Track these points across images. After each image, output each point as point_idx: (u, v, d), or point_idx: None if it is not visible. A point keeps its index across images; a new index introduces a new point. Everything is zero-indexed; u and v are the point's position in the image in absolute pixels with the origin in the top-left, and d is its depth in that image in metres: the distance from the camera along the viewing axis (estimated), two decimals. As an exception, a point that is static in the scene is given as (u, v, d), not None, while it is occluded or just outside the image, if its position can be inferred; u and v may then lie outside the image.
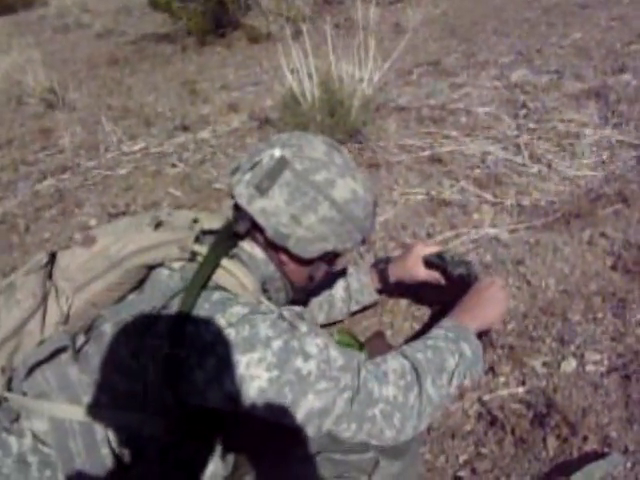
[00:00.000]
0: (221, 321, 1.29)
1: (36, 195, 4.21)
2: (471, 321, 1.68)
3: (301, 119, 3.71)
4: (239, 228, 1.47)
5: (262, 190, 1.41)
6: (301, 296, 1.79)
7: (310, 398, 1.29)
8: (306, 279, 1.62)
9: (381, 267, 2.14)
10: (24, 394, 1.32)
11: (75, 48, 11.24)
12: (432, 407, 1.45)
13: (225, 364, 1.27)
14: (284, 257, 1.52)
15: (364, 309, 2.23)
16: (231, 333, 1.27)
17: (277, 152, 1.43)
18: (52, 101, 6.63)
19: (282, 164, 1.41)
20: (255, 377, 1.26)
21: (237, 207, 1.48)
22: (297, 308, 1.42)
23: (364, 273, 2.16)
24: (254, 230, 1.48)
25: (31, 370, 1.32)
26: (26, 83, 6.98)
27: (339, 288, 2.12)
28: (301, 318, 1.38)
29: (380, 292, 2.21)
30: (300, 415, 1.30)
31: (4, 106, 7.21)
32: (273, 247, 1.50)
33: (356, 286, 2.13)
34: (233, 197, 1.48)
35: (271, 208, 1.41)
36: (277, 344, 1.28)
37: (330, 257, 1.57)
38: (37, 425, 1.30)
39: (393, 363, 1.45)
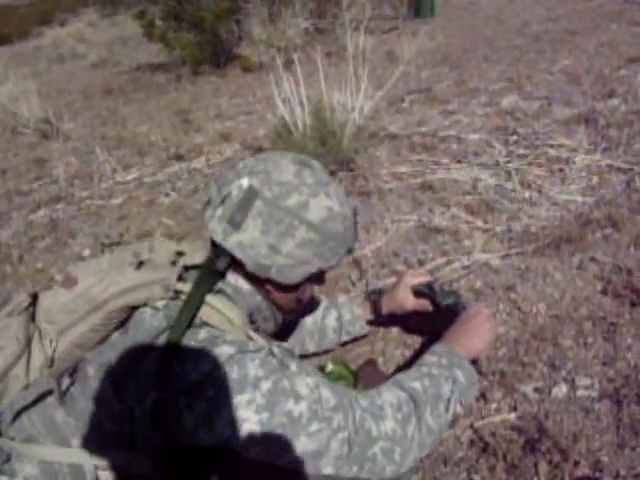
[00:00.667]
0: (208, 361, 1.28)
1: (30, 225, 4.22)
2: (460, 348, 1.68)
3: (293, 148, 3.73)
4: (219, 265, 1.44)
5: (235, 224, 1.39)
6: (291, 317, 1.78)
7: (302, 440, 1.28)
8: (294, 302, 1.61)
9: (373, 299, 2.13)
10: (12, 439, 1.31)
11: (70, 78, 11.32)
12: (432, 437, 1.45)
13: (215, 407, 1.26)
14: (269, 286, 1.50)
15: (354, 339, 2.23)
16: (220, 374, 1.26)
17: (245, 182, 1.40)
18: (47, 131, 6.66)
19: (251, 194, 1.38)
20: (245, 419, 1.26)
21: (214, 243, 1.46)
22: (286, 344, 1.42)
23: (357, 305, 2.15)
24: (234, 264, 1.45)
25: (17, 415, 1.31)
26: (21, 113, 7.02)
27: (331, 318, 2.11)
28: (291, 355, 1.37)
29: (371, 323, 2.20)
30: (293, 457, 1.28)
31: (-1, 136, 7.25)
32: (256, 279, 1.48)
33: (348, 317, 2.12)
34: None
35: (247, 241, 1.39)
36: (266, 385, 1.27)
37: (316, 276, 1.54)
38: (27, 469, 1.29)
39: (388, 396, 1.44)
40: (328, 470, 1.31)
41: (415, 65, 6.59)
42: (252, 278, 1.48)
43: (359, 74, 3.85)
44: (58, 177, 5.03)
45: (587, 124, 3.97)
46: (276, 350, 1.35)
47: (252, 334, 1.39)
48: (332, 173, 3.72)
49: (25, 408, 1.31)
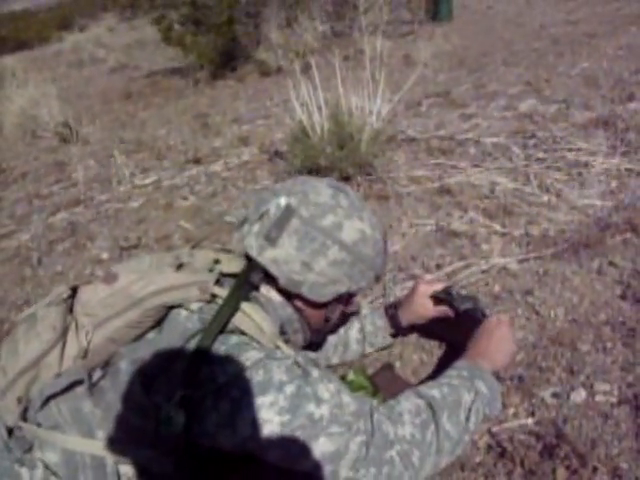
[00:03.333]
0: (236, 364, 1.30)
1: (49, 228, 4.25)
2: (484, 363, 1.68)
3: (311, 152, 3.73)
4: (253, 279, 1.48)
5: (271, 240, 1.44)
6: (319, 337, 1.80)
7: (322, 441, 1.30)
8: (322, 321, 1.64)
9: (391, 313, 2.12)
10: (38, 425, 1.34)
11: (89, 83, 11.42)
12: (451, 443, 1.45)
13: (238, 408, 1.28)
14: (299, 303, 1.55)
15: (379, 350, 2.22)
16: (245, 377, 1.29)
17: (283, 201, 1.46)
18: (66, 135, 6.72)
19: (289, 212, 1.44)
20: (266, 421, 1.28)
21: (249, 258, 1.50)
22: (312, 354, 1.45)
23: (379, 316, 2.14)
24: (268, 279, 1.50)
25: (46, 401, 1.33)
26: (41, 117, 7.09)
27: (354, 330, 2.11)
28: (315, 364, 1.39)
29: (394, 336, 2.19)
30: (312, 459, 1.30)
31: (19, 140, 7.32)
32: (287, 294, 1.52)
33: (370, 329, 2.12)
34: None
35: (282, 257, 1.44)
36: (290, 389, 1.30)
37: (345, 298, 1.59)
38: (49, 456, 1.32)
39: (406, 404, 1.46)
40: (345, 473, 1.32)
41: (433, 68, 6.59)
42: (284, 293, 1.53)
43: (376, 78, 3.85)
44: (77, 180, 5.07)
45: (606, 128, 3.95)
46: (301, 360, 1.37)
47: (280, 344, 1.42)
48: (350, 177, 3.73)
49: (54, 395, 1.33)
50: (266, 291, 1.53)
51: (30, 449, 1.33)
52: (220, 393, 1.29)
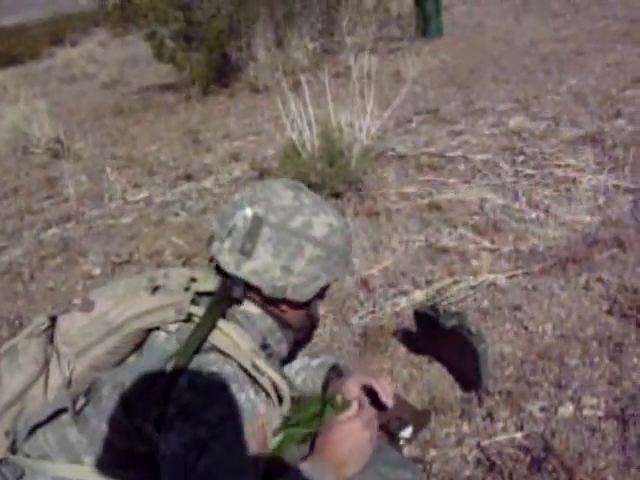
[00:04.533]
0: (205, 385, 1.31)
1: (41, 244, 4.26)
2: (330, 466, 1.45)
3: (301, 168, 3.76)
4: (235, 294, 1.48)
5: (247, 253, 1.44)
6: (301, 335, 1.80)
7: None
8: (306, 319, 1.65)
9: (329, 377, 1.92)
10: (27, 455, 1.34)
11: (81, 98, 11.43)
12: None
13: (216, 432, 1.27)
14: (284, 307, 1.54)
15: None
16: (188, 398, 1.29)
17: (249, 212, 1.46)
18: (57, 151, 6.74)
19: (258, 222, 1.44)
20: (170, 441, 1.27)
21: (225, 274, 1.49)
22: (285, 385, 1.43)
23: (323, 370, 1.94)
24: (249, 291, 1.50)
25: (32, 431, 1.34)
26: (32, 133, 7.09)
27: (299, 379, 1.95)
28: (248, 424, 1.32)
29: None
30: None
31: (10, 156, 7.31)
32: (271, 302, 1.52)
33: (310, 385, 1.92)
34: (217, 266, 1.50)
35: (261, 267, 1.44)
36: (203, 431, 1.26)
37: (323, 291, 1.59)
38: None
39: None
40: None
41: (423, 85, 6.64)
42: (268, 301, 1.52)
43: (365, 95, 3.89)
44: (69, 196, 5.07)
45: (594, 144, 4.00)
46: (242, 397, 1.32)
47: (257, 361, 1.41)
48: (340, 194, 3.76)
49: (40, 425, 1.33)
50: (244, 306, 1.52)
51: (22, 476, 1.34)
52: (188, 415, 1.28)
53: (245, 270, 1.44)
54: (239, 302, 1.50)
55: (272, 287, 1.45)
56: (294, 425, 1.56)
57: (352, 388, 1.76)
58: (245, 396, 1.33)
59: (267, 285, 1.45)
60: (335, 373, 1.87)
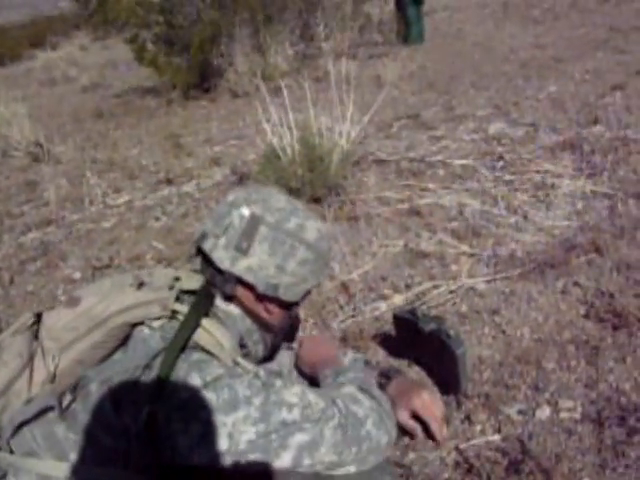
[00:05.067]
0: (198, 382, 1.32)
1: (20, 248, 4.24)
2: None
3: (282, 173, 3.77)
4: (226, 290, 1.52)
5: (243, 250, 1.47)
6: (278, 338, 1.82)
7: (297, 436, 1.34)
8: (287, 321, 1.69)
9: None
10: (11, 452, 1.34)
11: (61, 101, 11.37)
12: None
13: (211, 428, 1.30)
14: (271, 306, 1.58)
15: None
16: (212, 397, 1.31)
17: (246, 211, 1.50)
18: (37, 154, 6.69)
19: (255, 221, 1.48)
20: (243, 433, 1.30)
21: (218, 270, 1.52)
22: (273, 366, 1.48)
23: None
24: (239, 288, 1.53)
25: (18, 428, 1.33)
26: (12, 136, 7.04)
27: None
28: (275, 375, 1.45)
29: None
30: (290, 455, 1.34)
31: (-11, 159, 7.26)
32: (262, 299, 1.55)
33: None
34: (206, 263, 1.54)
35: (256, 264, 1.48)
36: (257, 400, 1.33)
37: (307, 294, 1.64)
38: None
39: (348, 388, 1.56)
40: (329, 457, 1.38)
41: (403, 91, 6.67)
42: (260, 299, 1.56)
43: (345, 100, 3.91)
44: (49, 200, 5.05)
45: (572, 150, 4.04)
46: (261, 373, 1.40)
47: (239, 359, 1.42)
48: (320, 198, 3.77)
49: (26, 422, 1.33)
50: (225, 305, 1.55)
51: (4, 476, 1.33)
52: (188, 416, 1.31)
53: (240, 267, 1.48)
54: (231, 299, 1.54)
55: (266, 284, 1.50)
56: None
57: (403, 415, 1.79)
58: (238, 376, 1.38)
59: (261, 282, 1.49)
60: (384, 377, 1.90)
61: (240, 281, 1.51)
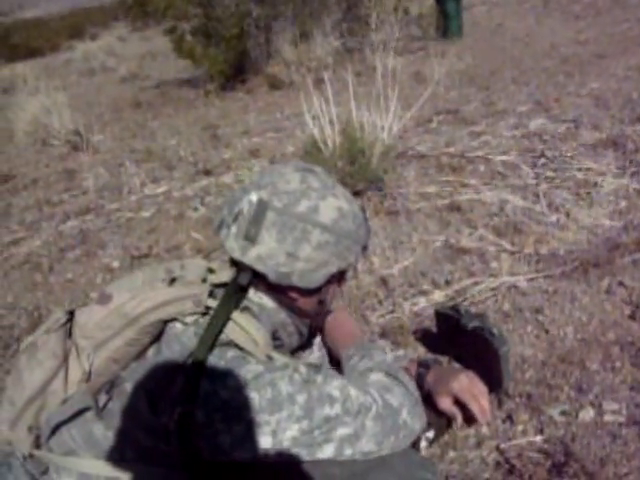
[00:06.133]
0: (237, 380, 1.31)
1: (60, 235, 4.29)
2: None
3: (322, 166, 3.75)
4: (242, 281, 1.46)
5: (251, 238, 1.41)
6: (318, 322, 1.80)
7: (339, 430, 1.34)
8: (317, 305, 1.62)
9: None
10: (51, 451, 1.35)
11: (100, 91, 11.49)
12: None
13: (254, 427, 1.29)
14: (292, 294, 1.52)
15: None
16: (254, 396, 1.29)
17: (254, 197, 1.43)
18: (77, 143, 6.77)
19: (262, 207, 1.41)
20: (287, 430, 1.29)
21: (234, 261, 1.48)
22: (314, 361, 1.46)
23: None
24: (256, 278, 1.47)
25: (56, 429, 1.34)
26: (52, 125, 7.13)
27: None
28: (315, 369, 1.40)
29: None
30: (332, 447, 1.34)
31: (30, 147, 7.37)
32: (278, 289, 1.50)
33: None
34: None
35: (265, 252, 1.41)
36: (301, 397, 1.31)
37: (336, 277, 1.56)
38: None
39: (377, 375, 1.54)
40: (369, 447, 1.37)
41: (443, 86, 6.61)
42: (276, 289, 1.50)
43: (388, 94, 3.88)
44: (88, 188, 5.11)
45: (615, 148, 3.97)
46: (301, 368, 1.38)
47: (273, 354, 1.40)
48: (360, 192, 3.76)
49: (63, 423, 1.34)
50: (258, 297, 1.51)
51: (46, 471, 1.34)
52: (231, 416, 1.29)
53: (250, 256, 1.43)
54: (246, 289, 1.49)
55: (277, 273, 1.43)
56: None
57: (445, 402, 1.74)
58: (279, 370, 1.36)
59: (272, 271, 1.43)
60: (423, 367, 1.85)
61: (254, 271, 1.45)
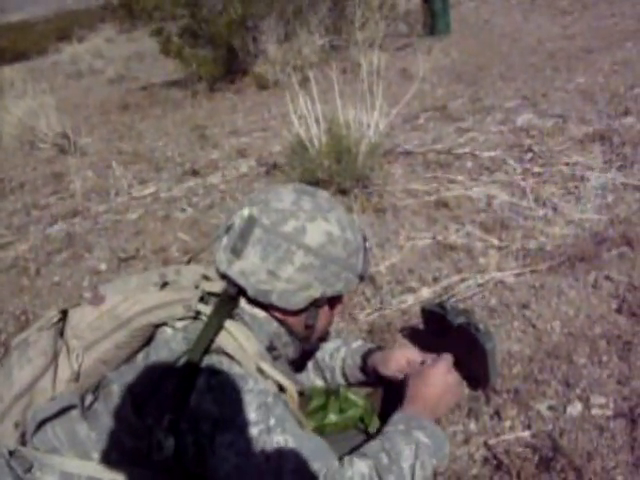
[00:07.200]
0: (226, 395, 1.32)
1: (47, 239, 4.27)
2: (423, 412, 1.60)
3: (308, 165, 3.75)
4: (230, 292, 1.47)
5: (237, 252, 1.43)
6: (312, 345, 1.77)
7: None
8: (304, 329, 1.59)
9: (366, 357, 1.97)
10: (36, 448, 1.35)
11: (87, 94, 11.47)
12: None
13: (239, 437, 1.30)
14: (276, 313, 1.52)
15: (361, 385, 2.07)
16: (242, 409, 1.31)
17: (246, 211, 1.45)
18: (64, 146, 6.75)
19: (251, 222, 1.42)
20: (224, 459, 1.29)
21: (221, 273, 1.49)
22: (295, 387, 1.44)
23: (357, 353, 1.99)
24: (240, 292, 1.48)
25: (40, 425, 1.34)
26: (39, 128, 7.10)
27: (338, 359, 1.99)
28: (282, 407, 1.36)
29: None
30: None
31: (17, 150, 7.35)
32: (262, 305, 1.50)
33: (350, 363, 1.98)
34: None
35: (248, 268, 1.42)
36: (255, 430, 1.30)
37: (323, 302, 1.54)
38: (48, 478, 1.32)
39: (360, 466, 1.39)
40: None
41: (430, 82, 6.62)
42: (258, 304, 1.50)
43: (374, 91, 3.88)
44: (75, 191, 5.09)
45: (602, 142, 3.98)
46: (270, 400, 1.35)
47: (263, 365, 1.40)
48: (347, 190, 3.75)
49: (48, 419, 1.34)
50: (250, 308, 1.50)
51: (30, 469, 1.33)
52: (214, 424, 1.30)
53: (234, 270, 1.44)
54: (236, 299, 1.49)
55: (256, 290, 1.44)
56: None
57: (399, 358, 1.81)
58: (263, 385, 1.36)
59: (251, 287, 1.44)
60: (377, 348, 1.91)
61: (235, 284, 1.46)
